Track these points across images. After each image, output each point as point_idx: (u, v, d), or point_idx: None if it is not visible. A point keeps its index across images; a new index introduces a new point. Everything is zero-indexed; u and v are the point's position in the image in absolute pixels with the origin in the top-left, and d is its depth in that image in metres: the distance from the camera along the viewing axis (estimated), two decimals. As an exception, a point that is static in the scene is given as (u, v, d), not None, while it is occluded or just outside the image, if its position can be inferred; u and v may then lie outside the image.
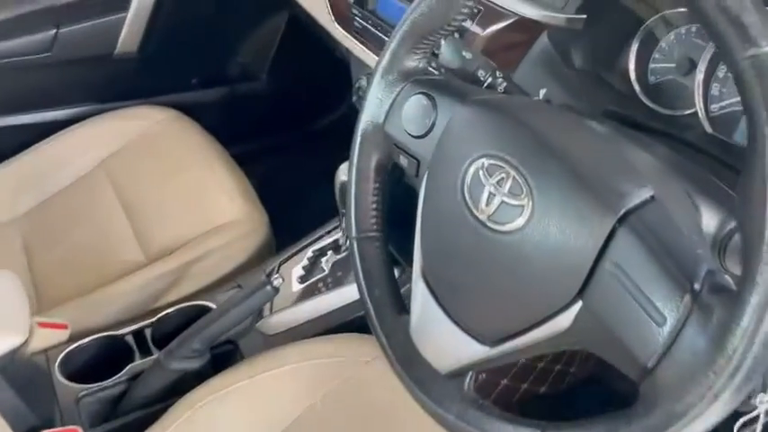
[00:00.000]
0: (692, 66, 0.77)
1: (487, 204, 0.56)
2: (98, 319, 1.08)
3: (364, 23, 1.06)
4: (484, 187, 0.56)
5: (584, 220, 0.51)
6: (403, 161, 0.68)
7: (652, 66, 0.82)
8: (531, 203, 0.53)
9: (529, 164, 0.54)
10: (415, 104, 0.65)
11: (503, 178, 0.55)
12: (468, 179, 0.58)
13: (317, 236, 1.18)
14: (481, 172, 0.57)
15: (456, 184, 0.59)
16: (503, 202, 0.55)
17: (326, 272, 1.11)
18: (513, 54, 0.85)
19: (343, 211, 1.08)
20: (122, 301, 1.09)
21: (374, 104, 0.69)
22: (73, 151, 1.38)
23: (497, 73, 0.74)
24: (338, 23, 1.16)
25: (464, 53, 0.74)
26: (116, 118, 1.42)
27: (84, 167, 1.36)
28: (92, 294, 1.10)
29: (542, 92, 0.77)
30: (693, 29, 0.78)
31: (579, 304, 0.51)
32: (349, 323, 1.05)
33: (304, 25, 1.61)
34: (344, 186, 1.03)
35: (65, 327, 1.03)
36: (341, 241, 1.14)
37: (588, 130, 0.58)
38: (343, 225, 1.10)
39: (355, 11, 1.08)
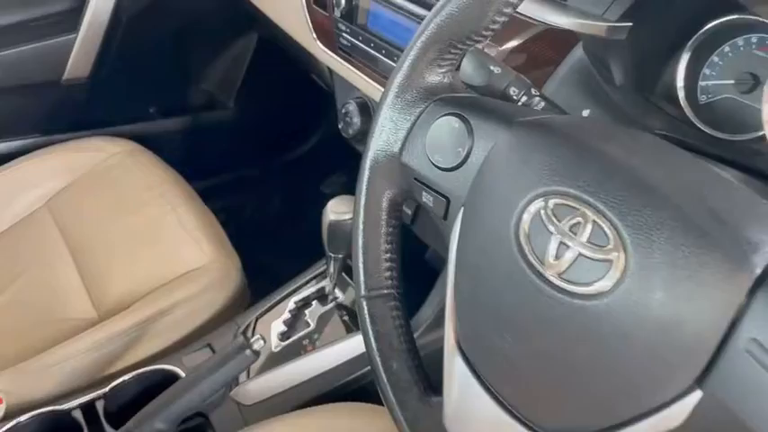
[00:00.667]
0: (756, 82, 0.65)
1: (557, 258, 0.42)
2: (39, 391, 0.90)
3: (353, 40, 0.93)
4: (551, 235, 0.42)
5: (704, 281, 0.37)
6: (426, 199, 0.54)
7: (702, 83, 0.69)
8: (623, 258, 0.39)
9: (617, 203, 0.40)
10: (443, 128, 0.52)
11: (578, 223, 0.41)
12: (524, 224, 0.44)
13: (298, 284, 1.02)
14: (544, 214, 0.43)
15: (508, 231, 0.45)
16: (580, 255, 0.41)
17: (312, 327, 0.96)
18: (538, 72, 0.73)
19: (331, 254, 0.93)
20: (69, 368, 0.92)
21: (387, 129, 0.55)
22: (14, 189, 1.21)
23: (533, 91, 0.61)
24: (320, 42, 1.02)
25: (491, 67, 0.61)
26: (65, 150, 1.26)
27: (26, 207, 1.19)
28: (32, 360, 0.92)
29: (585, 113, 0.64)
30: (754, 39, 0.66)
31: (698, 395, 0.38)
32: (342, 388, 0.90)
33: (276, 47, 1.47)
34: (334, 226, 0.89)
35: (-1, 401, 0.86)
36: (327, 289, 0.99)
37: (684, 158, 0.45)
38: (331, 270, 0.95)
39: (342, 26, 0.94)
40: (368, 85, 0.94)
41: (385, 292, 0.57)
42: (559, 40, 0.70)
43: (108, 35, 1.36)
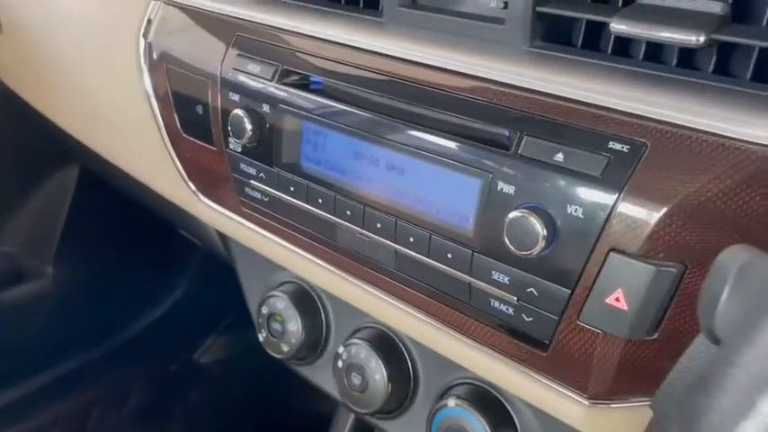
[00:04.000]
0: None
1: None
2: None
3: (274, 192, 0.50)
4: None
5: None
6: None
7: None
8: None
9: None
10: None
11: None
12: None
13: None
14: None
15: None
16: None
17: None
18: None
19: None
20: None
21: None
22: None
23: None
24: (205, 195, 0.59)
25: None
26: None
27: None
28: None
29: None
30: None
31: None
32: None
33: (105, 179, 1.01)
34: None
35: None
36: None
37: None
38: None
39: (248, 169, 0.52)
40: (309, 266, 0.52)
41: None
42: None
43: None
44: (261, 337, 0.57)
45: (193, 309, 1.30)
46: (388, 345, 0.50)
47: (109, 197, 1.12)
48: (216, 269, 1.28)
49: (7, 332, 1.07)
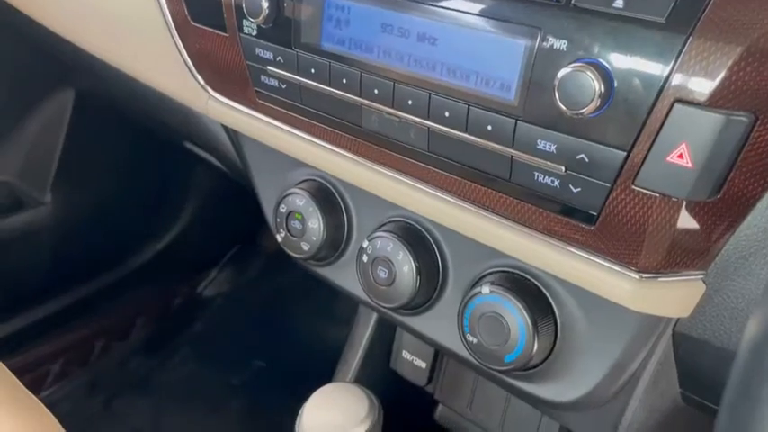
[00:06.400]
0: None
1: None
2: None
3: (293, 77, 0.47)
4: None
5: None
6: None
7: None
8: None
9: None
10: None
11: None
12: None
13: None
14: None
15: None
16: None
17: None
18: None
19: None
20: None
21: None
22: None
23: None
24: (215, 88, 0.56)
25: None
26: None
27: None
28: None
29: None
30: None
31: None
32: None
33: (103, 103, 0.98)
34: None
35: None
36: None
37: None
38: None
39: (265, 53, 0.48)
40: (331, 158, 0.49)
41: None
42: None
43: None
44: (279, 238, 0.54)
45: (196, 241, 1.28)
46: (415, 236, 0.48)
47: (107, 122, 1.09)
48: (219, 200, 1.27)
49: (6, 262, 1.05)
